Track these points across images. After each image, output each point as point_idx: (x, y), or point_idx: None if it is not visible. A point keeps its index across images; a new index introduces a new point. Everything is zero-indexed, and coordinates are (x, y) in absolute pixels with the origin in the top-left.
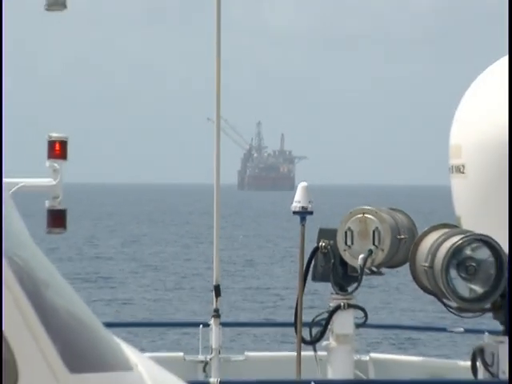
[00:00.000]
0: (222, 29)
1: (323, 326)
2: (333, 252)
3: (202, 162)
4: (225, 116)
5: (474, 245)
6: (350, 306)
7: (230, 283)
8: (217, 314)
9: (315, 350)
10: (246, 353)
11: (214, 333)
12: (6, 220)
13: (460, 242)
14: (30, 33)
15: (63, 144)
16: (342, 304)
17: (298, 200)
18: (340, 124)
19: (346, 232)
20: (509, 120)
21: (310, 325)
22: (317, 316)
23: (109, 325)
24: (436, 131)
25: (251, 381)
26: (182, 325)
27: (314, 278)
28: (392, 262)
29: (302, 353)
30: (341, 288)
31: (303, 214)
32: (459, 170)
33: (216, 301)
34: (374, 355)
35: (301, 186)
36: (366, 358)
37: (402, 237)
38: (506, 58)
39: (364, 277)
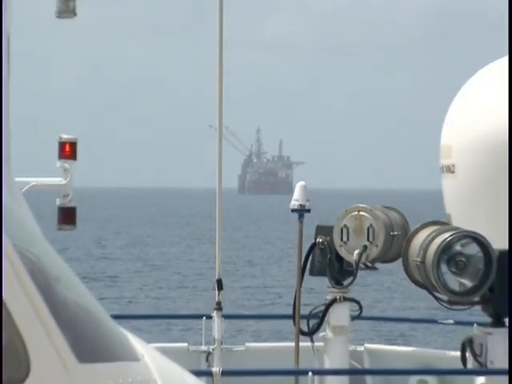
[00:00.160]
0: (224, 41)
1: (320, 318)
2: (329, 248)
3: (203, 167)
4: (226, 123)
5: (463, 241)
6: (345, 299)
7: (230, 282)
8: (219, 306)
9: (312, 341)
10: (247, 343)
11: (217, 325)
12: (18, 217)
13: (450, 238)
14: (40, 42)
15: (73, 145)
16: (338, 297)
17: (297, 198)
18: (336, 131)
19: (341, 229)
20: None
21: (308, 317)
22: (314, 309)
23: (116, 317)
24: (434, 135)
25: (252, 370)
26: (186, 317)
27: (312, 273)
28: (385, 258)
29: (300, 343)
30: (337, 282)
31: (301, 211)
32: (449, 169)
33: (218, 294)
34: (368, 346)
35: (299, 185)
36: (360, 348)
37: (395, 233)
38: (496, 63)
39: (359, 272)
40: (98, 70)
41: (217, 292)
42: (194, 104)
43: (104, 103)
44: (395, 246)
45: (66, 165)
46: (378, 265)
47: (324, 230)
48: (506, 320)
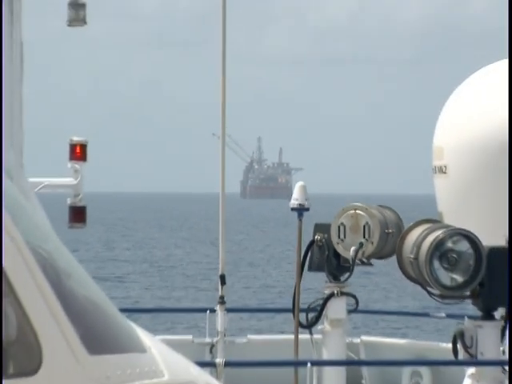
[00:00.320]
0: (226, 54)
1: (318, 312)
2: (327, 245)
3: (208, 174)
4: (228, 132)
5: (454, 238)
6: (342, 293)
7: (231, 283)
8: (222, 300)
9: (311, 334)
10: (249, 336)
11: (220, 318)
12: (31, 215)
13: (442, 235)
14: (50, 53)
15: (83, 147)
16: (336, 291)
17: (296, 198)
18: (333, 139)
19: (339, 226)
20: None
21: (307, 310)
22: (313, 302)
23: (125, 311)
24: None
25: (253, 361)
26: (191, 310)
27: (310, 268)
28: (381, 254)
29: (300, 336)
30: (334, 277)
31: (300, 210)
32: (442, 170)
33: (221, 288)
34: (364, 338)
35: (298, 185)
36: (357, 340)
37: (390, 231)
38: (487, 67)
39: (355, 267)
40: (107, 80)
41: (220, 286)
42: (199, 114)
43: (111, 113)
44: (390, 243)
45: (77, 166)
46: (373, 261)
47: (322, 228)
48: (496, 313)
